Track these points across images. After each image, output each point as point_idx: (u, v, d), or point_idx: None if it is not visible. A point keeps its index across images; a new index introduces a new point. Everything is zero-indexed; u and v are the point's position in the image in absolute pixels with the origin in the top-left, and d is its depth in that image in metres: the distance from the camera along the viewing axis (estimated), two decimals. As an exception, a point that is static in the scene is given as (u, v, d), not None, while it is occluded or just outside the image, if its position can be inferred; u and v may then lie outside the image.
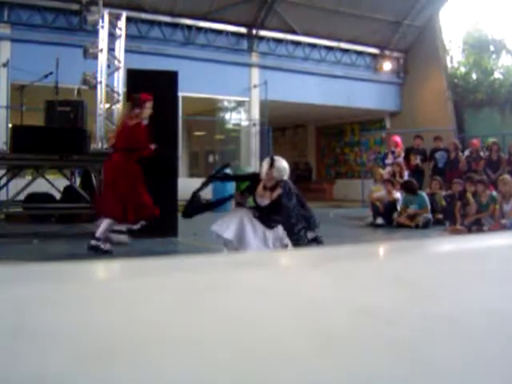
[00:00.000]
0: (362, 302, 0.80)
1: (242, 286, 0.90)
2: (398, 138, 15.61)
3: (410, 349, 0.65)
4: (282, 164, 6.57)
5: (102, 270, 1.18)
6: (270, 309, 0.76)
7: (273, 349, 0.62)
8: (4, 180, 12.10)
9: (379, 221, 12.42)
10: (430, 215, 12.16)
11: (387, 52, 23.42)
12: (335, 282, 0.94)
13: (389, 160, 15.10)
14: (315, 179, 28.37)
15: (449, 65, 22.41)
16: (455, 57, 22.56)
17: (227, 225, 6.39)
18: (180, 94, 10.17)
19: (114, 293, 0.88)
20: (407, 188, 12.47)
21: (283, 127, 28.75)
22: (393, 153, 15.16)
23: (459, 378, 0.59)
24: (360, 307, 0.77)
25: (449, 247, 1.50)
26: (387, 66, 23.49)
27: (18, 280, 0.95)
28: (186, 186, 13.88)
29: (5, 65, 17.02)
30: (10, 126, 15.12)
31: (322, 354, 0.61)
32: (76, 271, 1.09)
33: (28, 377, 0.53)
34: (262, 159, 18.83)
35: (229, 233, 6.33)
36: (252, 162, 20.38)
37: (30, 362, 0.56)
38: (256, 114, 21.06)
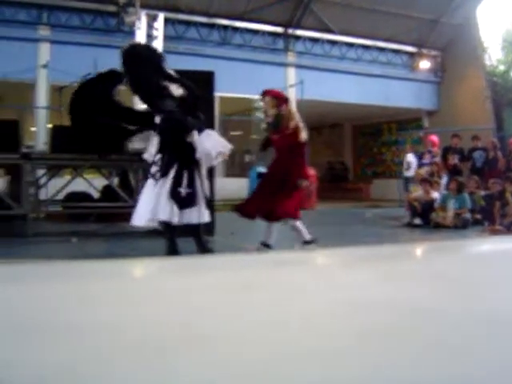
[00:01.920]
0: (406, 300, 0.80)
1: (283, 284, 0.90)
2: (435, 138, 15.43)
3: (453, 347, 0.64)
4: None
5: (139, 267, 1.19)
6: (312, 307, 0.76)
7: (316, 347, 0.62)
8: (44, 179, 12.28)
9: (417, 221, 12.28)
10: (469, 215, 11.99)
11: (424, 50, 23.18)
12: (378, 281, 0.94)
13: (426, 160, 14.94)
14: (352, 179, 28.20)
15: (487, 63, 22.09)
16: (494, 55, 22.24)
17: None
18: (216, 94, 10.17)
19: (152, 290, 0.89)
20: (458, 186, 12.24)
21: (319, 126, 28.61)
22: (430, 152, 14.99)
23: (499, 377, 0.58)
24: (404, 306, 0.77)
25: (489, 247, 1.49)
26: (424, 64, 23.25)
27: (58, 278, 0.96)
28: (223, 185, 13.94)
29: (44, 66, 17.27)
30: (49, 126, 15.33)
31: (366, 351, 0.61)
32: (115, 269, 1.11)
33: (67, 369, 0.54)
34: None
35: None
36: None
37: (78, 355, 0.57)
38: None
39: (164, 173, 6.62)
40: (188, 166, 6.73)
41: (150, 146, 7.01)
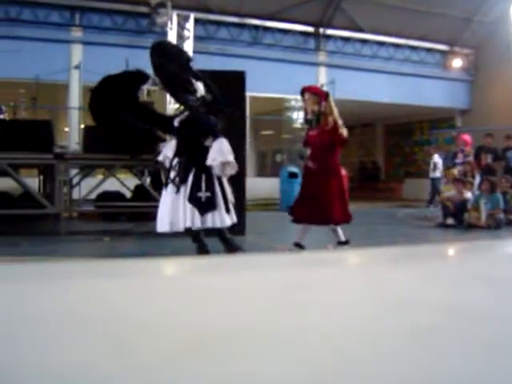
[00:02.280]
0: (447, 300, 0.79)
1: (323, 284, 0.90)
2: (467, 137, 15.28)
3: (495, 346, 0.63)
4: None
5: (171, 266, 1.19)
6: (352, 306, 0.76)
7: (360, 345, 0.61)
8: (77, 179, 12.43)
9: (449, 221, 12.17)
10: (502, 216, 11.85)
11: (457, 49, 22.97)
12: (417, 281, 0.93)
13: (459, 159, 14.82)
14: (383, 179, 28.06)
15: (522, 61, 21.82)
16: (528, 53, 21.94)
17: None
18: (247, 94, 10.20)
19: (184, 289, 0.89)
20: (491, 185, 12.11)
21: (351, 126, 28.41)
22: (462, 152, 14.86)
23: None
24: (445, 305, 0.76)
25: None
26: (457, 63, 23.05)
27: (89, 275, 0.97)
28: (254, 185, 13.96)
29: (77, 67, 17.47)
30: (82, 126, 15.50)
31: (410, 350, 0.61)
32: (147, 268, 1.11)
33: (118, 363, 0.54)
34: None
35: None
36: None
37: (119, 350, 0.57)
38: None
39: (183, 178, 6.58)
40: (206, 169, 6.69)
41: (165, 149, 6.97)
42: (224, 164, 6.77)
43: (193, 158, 6.64)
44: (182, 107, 7.10)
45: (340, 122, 7.34)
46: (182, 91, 7.00)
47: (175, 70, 6.94)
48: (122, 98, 7.47)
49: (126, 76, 7.90)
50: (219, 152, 6.74)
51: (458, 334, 0.66)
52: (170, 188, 6.64)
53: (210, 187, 6.65)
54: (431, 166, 19.39)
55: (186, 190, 6.54)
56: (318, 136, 7.21)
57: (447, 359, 0.59)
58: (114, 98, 7.35)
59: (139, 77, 7.41)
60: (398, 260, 1.16)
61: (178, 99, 7.15)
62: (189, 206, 6.53)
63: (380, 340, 0.63)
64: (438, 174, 19.06)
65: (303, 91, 7.45)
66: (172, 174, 6.63)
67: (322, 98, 7.37)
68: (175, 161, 6.67)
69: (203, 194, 6.57)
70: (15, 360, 0.55)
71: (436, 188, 18.69)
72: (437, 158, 19.34)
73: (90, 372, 0.52)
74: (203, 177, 6.62)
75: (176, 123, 6.82)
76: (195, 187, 6.55)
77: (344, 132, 7.32)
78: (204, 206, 6.59)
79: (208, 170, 6.68)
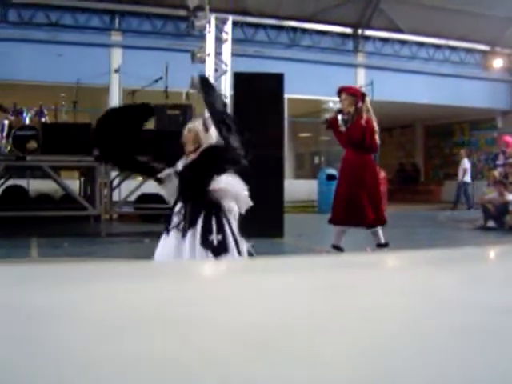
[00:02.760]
0: (489, 302, 0.79)
1: (362, 286, 0.90)
2: (509, 138, 15.05)
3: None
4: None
5: (213, 268, 1.20)
6: (392, 309, 0.76)
7: (408, 345, 0.61)
8: (117, 181, 12.56)
9: (490, 224, 12.00)
10: (545, 218, 11.65)
11: (498, 49, 22.63)
12: (458, 283, 0.93)
13: (500, 161, 14.61)
14: (423, 181, 27.77)
15: None
16: None
17: None
18: (286, 96, 10.20)
19: (226, 290, 0.90)
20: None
21: (390, 127, 28.29)
22: (504, 153, 14.64)
23: None
24: (487, 307, 0.76)
25: None
26: (498, 63, 22.70)
27: (129, 277, 0.98)
28: (292, 187, 13.94)
29: (117, 71, 17.66)
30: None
31: (452, 351, 0.61)
32: (191, 269, 1.12)
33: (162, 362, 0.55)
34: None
35: None
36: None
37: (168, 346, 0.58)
38: (371, 115, 20.80)
39: (191, 223, 6.08)
40: (215, 211, 6.21)
41: (167, 193, 6.51)
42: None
43: (201, 202, 6.17)
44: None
45: (376, 127, 7.29)
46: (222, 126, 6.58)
47: (218, 105, 6.49)
48: (125, 133, 7.06)
49: (131, 110, 7.66)
50: (234, 198, 6.35)
51: (500, 335, 0.66)
52: (173, 233, 6.13)
53: (221, 229, 6.14)
54: (460, 171, 19.25)
55: (194, 234, 6.06)
56: (349, 133, 7.16)
57: (490, 360, 0.59)
58: (117, 133, 6.96)
59: (144, 111, 7.04)
60: (438, 263, 1.16)
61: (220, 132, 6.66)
62: (198, 250, 6.07)
63: (421, 341, 0.64)
64: (467, 178, 18.92)
65: (340, 91, 7.42)
66: (176, 220, 6.06)
67: (359, 98, 7.33)
68: (178, 206, 6.13)
69: (215, 237, 6.12)
70: (61, 359, 0.57)
71: (466, 193, 18.59)
72: (466, 163, 19.18)
73: (150, 372, 0.54)
74: (213, 219, 6.13)
75: (179, 167, 6.32)
76: (206, 231, 6.08)
77: (377, 138, 7.27)
78: (217, 249, 6.19)
79: (217, 211, 6.20)
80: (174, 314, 0.73)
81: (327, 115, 7.60)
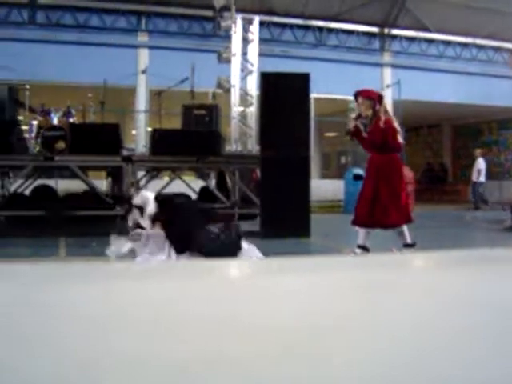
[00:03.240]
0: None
1: (389, 286, 0.90)
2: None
3: None
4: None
5: (238, 267, 1.21)
6: (434, 306, 0.76)
7: (429, 346, 0.61)
8: (143, 181, 12.63)
9: (519, 224, 11.84)
10: None
11: (527, 47, 22.36)
12: (493, 283, 0.92)
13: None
14: (451, 181, 27.53)
15: None
16: None
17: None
18: (312, 96, 10.17)
19: (258, 290, 0.90)
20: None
21: (417, 127, 28.10)
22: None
23: None
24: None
25: None
26: (526, 61, 22.43)
27: (156, 276, 0.99)
28: (318, 187, 13.91)
29: (143, 71, 17.79)
30: (149, 129, 15.75)
31: (479, 350, 0.61)
32: (223, 268, 1.13)
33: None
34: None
35: None
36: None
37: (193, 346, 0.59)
38: (391, 116, 20.69)
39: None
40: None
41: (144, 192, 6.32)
42: None
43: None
44: None
45: (398, 127, 7.25)
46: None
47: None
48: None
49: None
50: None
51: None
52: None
53: None
54: (474, 172, 19.09)
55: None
56: (370, 137, 7.12)
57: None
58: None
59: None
60: (465, 263, 1.15)
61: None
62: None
63: (452, 340, 0.63)
64: (482, 178, 18.76)
65: (356, 95, 7.38)
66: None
67: (376, 101, 7.28)
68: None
69: None
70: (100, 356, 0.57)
71: (477, 191, 18.45)
72: (481, 163, 19.01)
73: (175, 370, 0.54)
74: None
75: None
76: None
77: (400, 138, 7.23)
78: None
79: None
80: (201, 314, 0.73)
81: (349, 125, 7.50)
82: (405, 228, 7.08)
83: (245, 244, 5.90)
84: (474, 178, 19.10)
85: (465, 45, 21.65)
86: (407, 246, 7.03)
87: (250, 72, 12.54)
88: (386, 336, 0.65)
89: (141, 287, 0.89)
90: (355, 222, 7.24)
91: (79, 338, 0.63)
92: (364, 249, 7.08)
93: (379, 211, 6.93)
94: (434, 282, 0.95)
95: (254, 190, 11.21)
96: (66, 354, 0.58)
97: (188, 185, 12.77)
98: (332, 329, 0.67)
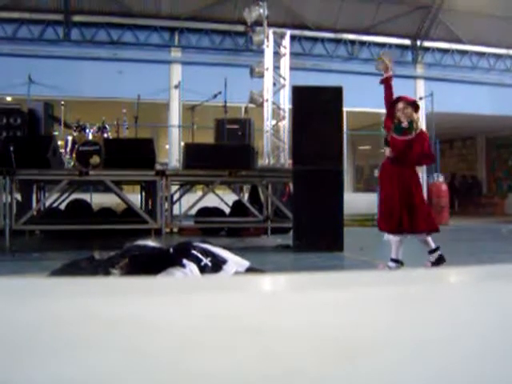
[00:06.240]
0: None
1: (424, 301, 0.90)
2: None
3: None
4: None
5: (269, 282, 1.21)
6: (472, 323, 0.76)
7: (480, 360, 0.62)
8: (177, 195, 12.73)
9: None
10: None
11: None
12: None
13: None
14: (485, 193, 27.22)
15: None
16: None
17: None
18: (345, 109, 10.16)
19: (292, 304, 0.91)
20: None
21: (451, 139, 27.88)
22: None
23: None
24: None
25: None
26: (562, 71, 22.14)
27: (201, 290, 1.00)
28: (351, 200, 13.86)
29: (176, 87, 17.95)
30: (182, 144, 15.87)
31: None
32: (257, 283, 1.14)
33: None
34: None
35: None
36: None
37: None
38: (422, 126, 20.59)
39: None
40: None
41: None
42: None
43: None
44: None
45: (426, 134, 7.33)
46: None
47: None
48: None
49: None
50: None
51: None
52: None
53: None
54: None
55: None
56: (409, 144, 7.11)
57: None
58: None
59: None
60: (501, 278, 1.14)
61: None
62: None
63: (490, 356, 0.64)
64: None
65: (398, 100, 7.37)
66: None
67: (417, 108, 7.38)
68: None
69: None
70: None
71: None
72: None
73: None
74: None
75: None
76: None
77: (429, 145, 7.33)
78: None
79: None
80: (253, 326, 0.74)
81: (386, 136, 7.57)
82: (429, 237, 7.05)
83: (226, 253, 5.66)
84: None
85: (499, 56, 21.46)
86: (432, 251, 6.98)
87: (283, 86, 12.56)
88: (428, 350, 0.65)
89: (194, 299, 0.90)
90: (380, 228, 7.25)
91: (171, 351, 0.64)
92: (397, 262, 7.03)
93: (407, 219, 6.91)
94: (471, 297, 0.95)
95: (286, 203, 11.21)
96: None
97: (221, 198, 12.83)
98: (369, 346, 0.68)
